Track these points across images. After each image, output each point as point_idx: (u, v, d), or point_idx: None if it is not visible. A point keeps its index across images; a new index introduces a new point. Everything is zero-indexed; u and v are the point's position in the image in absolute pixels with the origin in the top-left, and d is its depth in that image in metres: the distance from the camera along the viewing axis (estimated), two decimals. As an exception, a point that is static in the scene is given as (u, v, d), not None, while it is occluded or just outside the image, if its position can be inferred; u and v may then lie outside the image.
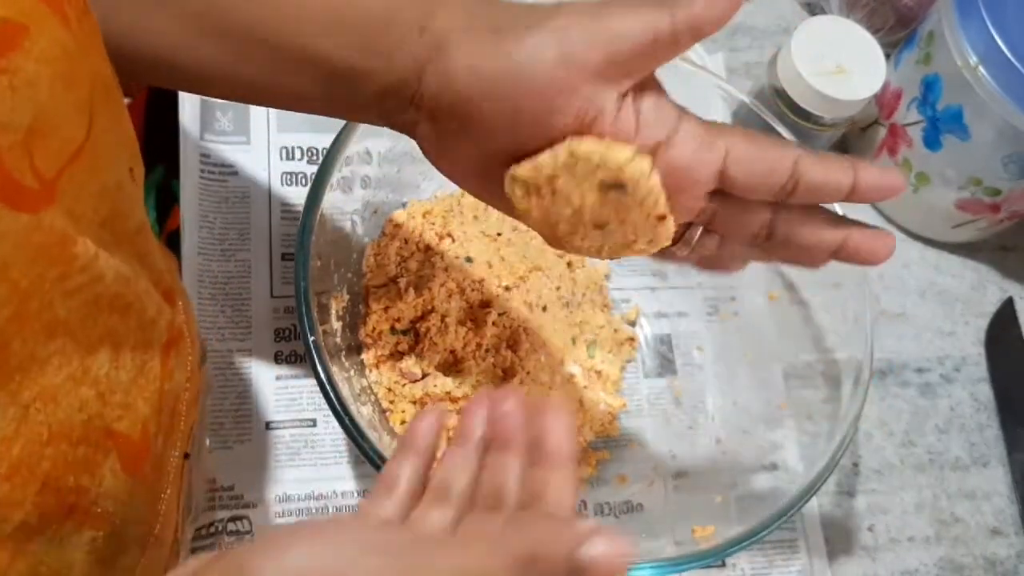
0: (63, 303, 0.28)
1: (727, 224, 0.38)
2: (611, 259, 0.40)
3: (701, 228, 0.38)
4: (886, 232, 0.38)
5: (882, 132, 0.69)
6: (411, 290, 0.57)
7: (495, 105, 0.34)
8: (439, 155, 0.39)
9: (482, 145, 0.36)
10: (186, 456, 0.43)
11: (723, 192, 0.37)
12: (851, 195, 0.36)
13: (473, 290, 0.58)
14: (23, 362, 0.27)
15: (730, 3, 0.33)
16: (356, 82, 0.36)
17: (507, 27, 0.34)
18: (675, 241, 0.38)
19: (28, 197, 0.25)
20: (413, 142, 0.40)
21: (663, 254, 0.39)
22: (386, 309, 0.57)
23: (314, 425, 0.57)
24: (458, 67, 0.34)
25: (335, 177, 0.52)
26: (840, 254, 0.38)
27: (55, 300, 0.27)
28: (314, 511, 0.54)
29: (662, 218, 0.36)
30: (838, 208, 0.42)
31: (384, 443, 0.48)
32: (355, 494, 0.55)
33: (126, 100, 0.36)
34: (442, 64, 0.34)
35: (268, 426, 0.56)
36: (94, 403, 0.31)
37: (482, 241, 0.60)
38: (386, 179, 0.59)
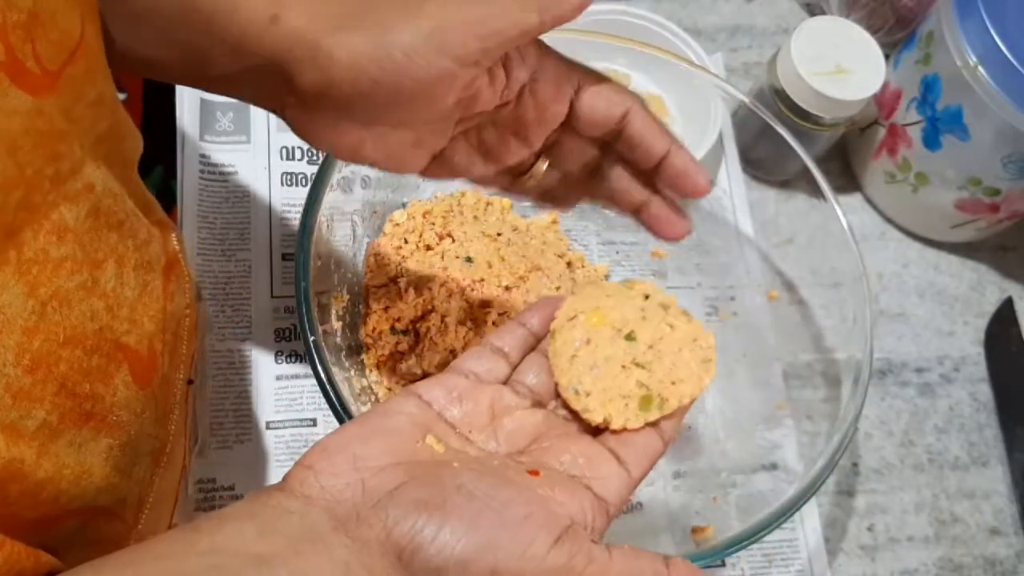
0: (69, 210, 0.30)
1: (564, 155, 0.41)
2: None
3: (547, 162, 0.42)
4: (684, 217, 0.42)
5: (881, 132, 0.69)
6: (411, 290, 0.57)
7: (377, 97, 0.35)
8: (312, 132, 0.39)
9: (360, 122, 0.37)
10: (190, 382, 0.45)
11: (564, 126, 0.40)
12: (659, 166, 0.40)
13: (473, 290, 0.58)
14: (37, 255, 0.29)
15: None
16: (209, 64, 0.37)
17: (380, 20, 0.34)
18: (523, 172, 0.42)
19: (30, 80, 0.27)
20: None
21: (515, 184, 0.43)
22: (386, 309, 0.57)
23: (314, 425, 0.57)
24: (339, 64, 0.34)
25: (335, 177, 0.53)
26: (642, 214, 0.42)
27: (60, 203, 0.30)
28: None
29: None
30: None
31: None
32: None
33: (121, 96, 0.37)
34: (321, 59, 0.35)
35: (268, 426, 0.56)
36: (104, 315, 0.33)
37: (482, 241, 0.60)
38: (386, 179, 0.59)
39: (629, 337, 0.39)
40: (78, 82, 0.30)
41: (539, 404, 0.39)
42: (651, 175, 0.41)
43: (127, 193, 0.36)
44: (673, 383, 0.38)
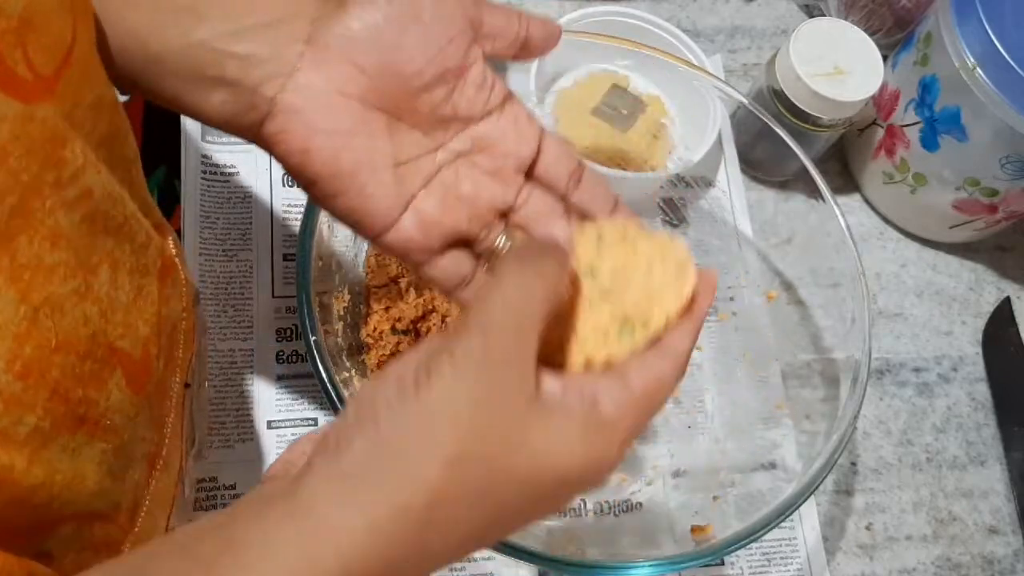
0: (65, 216, 0.30)
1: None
2: None
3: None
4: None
5: (880, 133, 0.69)
6: (412, 290, 0.57)
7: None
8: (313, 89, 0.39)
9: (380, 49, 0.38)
10: (187, 386, 0.45)
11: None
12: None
13: (473, 290, 0.58)
14: (31, 261, 0.29)
15: None
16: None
17: None
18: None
19: (22, 86, 0.27)
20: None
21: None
22: (387, 309, 0.57)
23: (315, 424, 0.57)
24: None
25: (336, 178, 0.53)
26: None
27: (56, 209, 0.30)
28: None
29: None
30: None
31: (385, 442, 0.48)
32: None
33: (123, 98, 0.37)
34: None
35: (270, 425, 0.56)
36: (97, 320, 0.33)
37: (482, 241, 0.60)
38: (387, 180, 0.59)
39: (590, 275, 0.36)
40: (75, 86, 0.31)
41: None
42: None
43: (130, 195, 0.36)
44: (650, 301, 0.35)
